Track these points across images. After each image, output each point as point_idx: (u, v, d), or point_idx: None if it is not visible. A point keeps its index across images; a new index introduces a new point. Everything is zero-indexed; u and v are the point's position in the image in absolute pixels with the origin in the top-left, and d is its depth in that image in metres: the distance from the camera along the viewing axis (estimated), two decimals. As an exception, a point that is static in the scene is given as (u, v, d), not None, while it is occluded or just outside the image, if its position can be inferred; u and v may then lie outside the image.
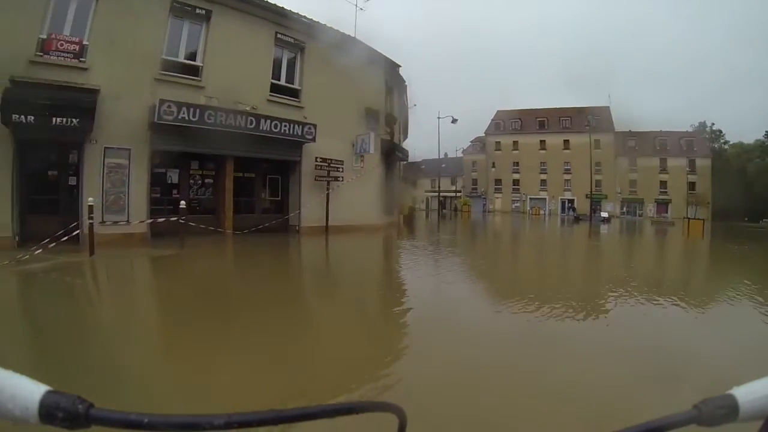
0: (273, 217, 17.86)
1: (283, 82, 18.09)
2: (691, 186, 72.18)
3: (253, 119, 15.96)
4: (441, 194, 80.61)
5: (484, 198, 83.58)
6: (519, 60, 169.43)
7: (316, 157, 18.25)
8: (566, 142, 78.75)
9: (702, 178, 72.58)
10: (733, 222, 59.16)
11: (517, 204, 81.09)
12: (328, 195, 18.59)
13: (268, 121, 16.36)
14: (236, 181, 16.76)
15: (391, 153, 22.28)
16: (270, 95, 17.39)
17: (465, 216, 57.81)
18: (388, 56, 22.15)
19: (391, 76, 23.89)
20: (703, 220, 39.83)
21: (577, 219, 58.24)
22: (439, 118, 48.29)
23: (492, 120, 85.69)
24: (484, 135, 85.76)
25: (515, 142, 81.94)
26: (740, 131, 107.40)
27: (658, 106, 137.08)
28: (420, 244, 18.12)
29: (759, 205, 67.32)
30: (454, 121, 47.74)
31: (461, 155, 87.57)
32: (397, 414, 0.60)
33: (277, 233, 17.13)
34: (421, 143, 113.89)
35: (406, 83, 26.47)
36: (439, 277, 10.82)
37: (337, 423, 0.56)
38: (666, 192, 75.05)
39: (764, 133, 76.71)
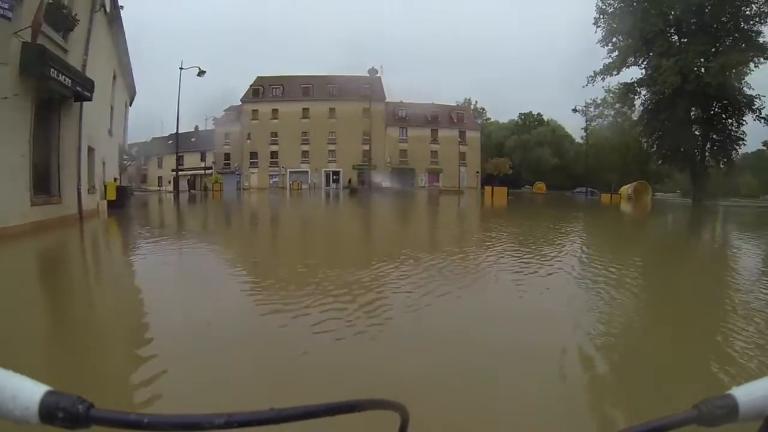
0: None
1: None
2: (462, 156, 73.72)
3: None
4: (186, 172, 68.39)
5: (239, 174, 72.62)
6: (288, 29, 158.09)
7: None
8: (332, 110, 72.59)
9: (471, 149, 76.32)
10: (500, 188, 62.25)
11: (276, 179, 72.34)
12: None
13: None
14: None
15: (43, 69, 10.31)
16: None
17: (216, 195, 46.63)
18: None
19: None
20: (507, 187, 38.75)
21: (354, 191, 51.32)
22: (181, 68, 36.38)
23: (251, 86, 74.98)
24: (240, 103, 74.59)
25: (275, 110, 72.53)
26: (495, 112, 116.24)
27: (426, 83, 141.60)
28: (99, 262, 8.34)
29: (515, 173, 75.61)
30: (200, 73, 36.71)
31: (213, 127, 75.44)
32: (399, 412, 0.59)
33: None
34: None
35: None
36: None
37: (338, 421, 0.55)
38: (437, 162, 75.59)
39: (518, 114, 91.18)
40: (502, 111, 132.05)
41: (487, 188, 37.74)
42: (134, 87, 29.26)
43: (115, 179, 22.44)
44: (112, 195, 18.77)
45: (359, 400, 0.53)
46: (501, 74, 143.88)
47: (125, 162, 28.39)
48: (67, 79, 11.45)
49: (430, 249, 9.58)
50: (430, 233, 14.26)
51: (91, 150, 16.28)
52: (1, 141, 9.70)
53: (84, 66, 13.75)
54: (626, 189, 44.45)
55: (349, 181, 64.05)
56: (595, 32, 45.12)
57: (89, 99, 13.31)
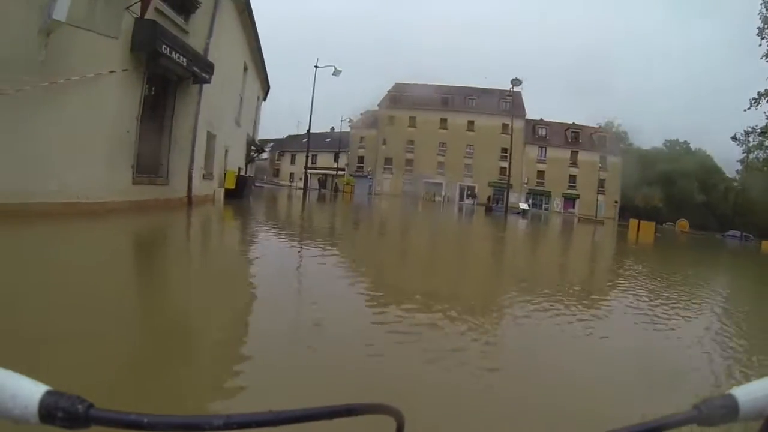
0: None
1: None
2: (601, 183, 68.68)
3: None
4: (318, 171, 70.22)
5: (371, 178, 72.49)
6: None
7: None
8: (471, 123, 70.88)
9: (612, 175, 69.92)
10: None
11: (409, 187, 70.79)
12: None
13: None
14: None
15: (154, 44, 10.02)
16: None
17: (347, 197, 46.80)
18: None
19: None
20: (655, 222, 36.32)
21: (489, 209, 49.17)
22: (316, 67, 36.94)
23: (388, 92, 75.22)
24: (377, 108, 75.25)
25: (412, 118, 71.95)
26: (638, 136, 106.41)
27: (568, 101, 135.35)
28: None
29: (656, 209, 67.36)
30: (336, 72, 37.17)
31: (349, 129, 76.61)
32: (394, 417, 0.59)
33: None
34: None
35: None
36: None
37: (334, 424, 0.56)
38: (575, 186, 70.61)
39: (663, 141, 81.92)
40: (646, 136, 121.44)
41: (633, 221, 35.42)
42: (267, 81, 29.84)
43: (239, 169, 22.73)
44: (231, 183, 18.80)
45: (357, 404, 0.54)
46: (647, 94, 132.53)
47: (253, 154, 28.89)
48: (182, 57, 11.16)
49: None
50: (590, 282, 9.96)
51: (211, 136, 16.27)
52: (106, 115, 9.50)
53: (206, 50, 13.58)
54: None
55: (488, 198, 61.24)
56: (760, 45, 39.68)
57: (207, 81, 13.05)
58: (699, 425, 0.58)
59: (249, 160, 27.58)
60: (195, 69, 11.99)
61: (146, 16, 9.94)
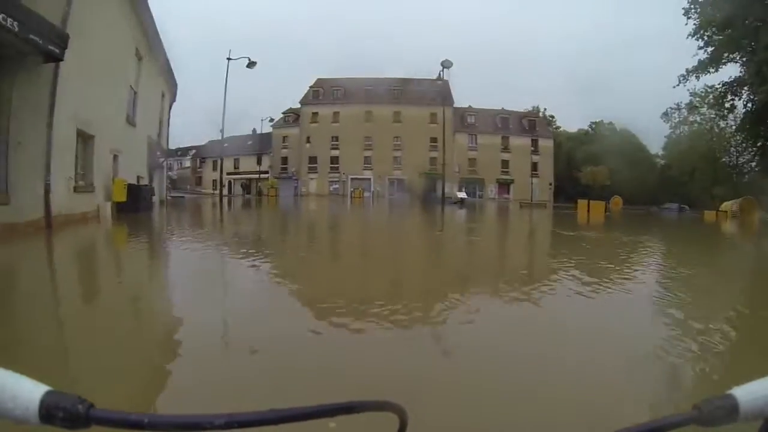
0: None
1: None
2: (534, 166, 68.47)
3: None
4: (241, 175, 66.84)
5: (296, 179, 68.52)
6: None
7: None
8: (397, 114, 68.01)
9: (544, 158, 69.71)
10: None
11: (336, 186, 67.79)
12: None
13: None
14: None
15: None
16: None
17: (271, 201, 43.40)
18: None
19: None
20: (606, 202, 37.35)
21: (426, 201, 47.17)
22: (229, 59, 32.97)
23: (310, 88, 71.67)
24: (299, 105, 71.66)
25: (336, 113, 68.56)
26: (564, 120, 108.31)
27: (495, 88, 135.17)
28: None
29: (587, 188, 65.51)
30: (250, 64, 33.43)
31: (271, 130, 72.54)
32: (398, 414, 0.59)
33: None
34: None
35: None
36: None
37: (337, 422, 0.55)
38: (508, 172, 69.73)
39: (588, 123, 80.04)
40: (571, 119, 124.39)
41: (581, 202, 34.73)
42: (173, 76, 26.17)
43: (139, 178, 19.10)
44: (120, 196, 15.15)
45: (359, 401, 0.54)
46: (569, 79, 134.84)
47: (160, 160, 25.02)
48: (11, 21, 7.75)
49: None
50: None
51: (87, 136, 12.81)
52: None
53: (65, 20, 10.16)
54: (730, 205, 39.68)
55: (424, 191, 59.01)
56: (686, 24, 39.98)
57: (59, 57, 9.51)
58: (699, 425, 0.58)
59: (153, 167, 23.70)
60: (34, 38, 8.51)
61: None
